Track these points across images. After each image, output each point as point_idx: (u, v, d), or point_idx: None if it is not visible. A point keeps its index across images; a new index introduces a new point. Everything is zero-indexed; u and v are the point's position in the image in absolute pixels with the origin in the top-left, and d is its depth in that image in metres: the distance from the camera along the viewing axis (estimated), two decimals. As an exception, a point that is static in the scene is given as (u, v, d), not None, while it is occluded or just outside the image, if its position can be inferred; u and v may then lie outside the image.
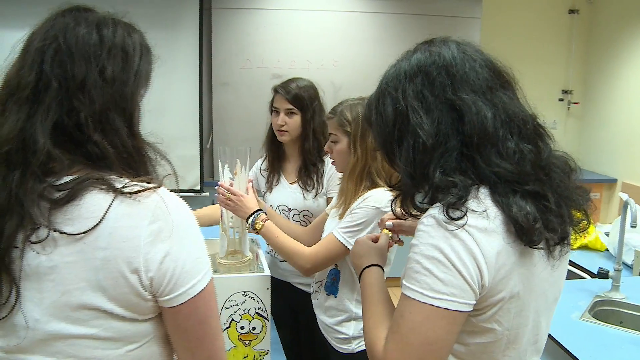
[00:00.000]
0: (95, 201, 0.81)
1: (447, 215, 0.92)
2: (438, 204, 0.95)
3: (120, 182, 0.83)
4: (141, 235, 0.81)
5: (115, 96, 0.87)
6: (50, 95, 0.83)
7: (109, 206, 0.80)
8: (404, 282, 0.96)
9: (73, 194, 0.80)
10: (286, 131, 2.22)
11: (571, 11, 5.30)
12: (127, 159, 0.87)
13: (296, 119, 2.22)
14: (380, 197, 1.72)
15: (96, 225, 0.79)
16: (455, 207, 0.92)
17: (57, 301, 0.81)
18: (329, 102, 2.30)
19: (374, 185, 1.77)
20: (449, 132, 0.97)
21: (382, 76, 1.07)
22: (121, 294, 0.82)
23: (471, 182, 0.95)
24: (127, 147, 0.87)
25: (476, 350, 1.00)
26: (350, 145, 1.78)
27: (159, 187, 0.86)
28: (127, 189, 0.82)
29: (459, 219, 0.91)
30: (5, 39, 4.03)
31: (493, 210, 0.94)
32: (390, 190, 1.73)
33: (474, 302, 0.93)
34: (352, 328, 1.83)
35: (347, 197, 1.78)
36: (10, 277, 0.80)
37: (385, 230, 1.39)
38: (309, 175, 2.25)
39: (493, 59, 1.04)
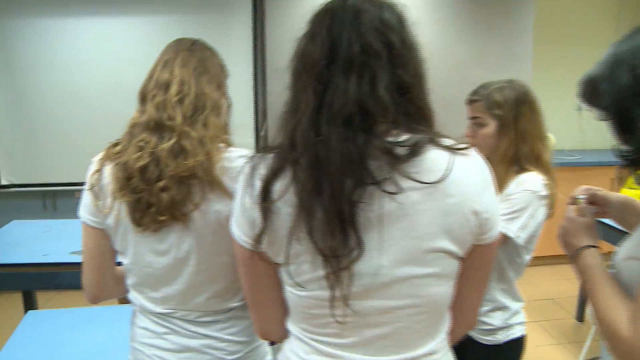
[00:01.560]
0: (436, 156, 0.92)
1: None
2: None
3: (444, 140, 0.95)
4: (476, 184, 0.96)
5: (416, 61, 0.97)
6: (379, 63, 0.91)
7: (451, 160, 0.92)
8: None
9: (416, 150, 0.91)
10: None
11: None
12: (428, 117, 0.98)
13: None
14: (535, 181, 1.66)
15: (446, 175, 0.91)
16: None
17: (407, 246, 0.93)
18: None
19: (522, 169, 1.70)
20: None
21: (609, 51, 1.07)
22: (461, 235, 0.96)
23: None
24: (428, 107, 0.99)
25: None
26: (500, 128, 1.70)
27: (471, 146, 0.98)
28: (457, 146, 0.95)
29: None
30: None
31: None
32: (543, 174, 1.67)
33: None
34: (498, 318, 1.76)
35: (498, 181, 1.70)
36: (355, 228, 0.90)
37: (580, 202, 1.36)
38: None
39: None
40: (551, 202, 1.69)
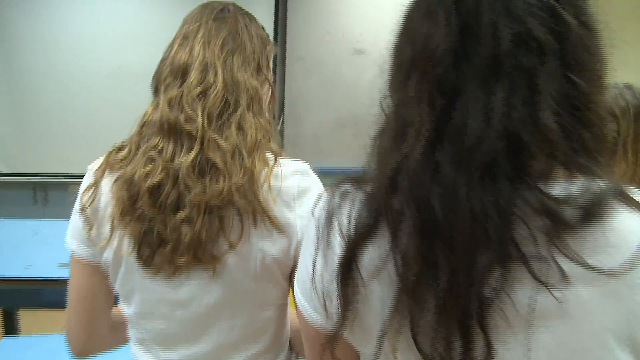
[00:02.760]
0: (624, 224, 0.58)
1: None
2: None
3: (637, 193, 0.60)
4: None
5: (597, 55, 0.62)
6: (544, 65, 0.58)
7: None
8: None
9: (595, 212, 0.57)
10: None
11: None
12: (606, 148, 0.64)
13: None
14: None
15: (638, 258, 0.57)
16: None
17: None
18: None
19: None
20: None
21: None
22: None
23: None
24: (607, 130, 0.64)
25: None
26: (615, 148, 1.34)
27: None
28: None
29: None
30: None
31: None
32: None
33: None
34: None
35: None
36: (485, 332, 0.59)
37: None
38: None
39: None
40: None
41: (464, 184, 0.58)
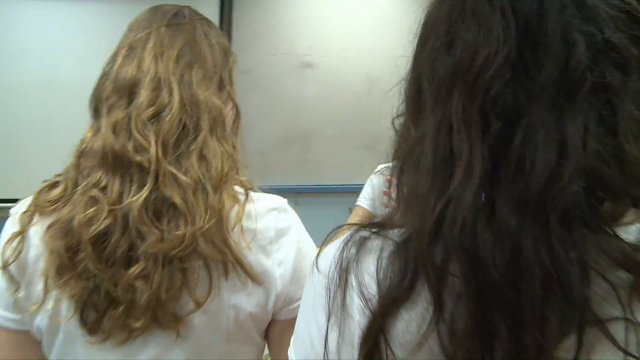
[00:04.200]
0: None
1: None
2: None
3: None
4: None
5: None
6: (626, 83, 0.47)
7: None
8: None
9: None
10: None
11: None
12: None
13: None
14: None
15: None
16: None
17: None
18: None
19: None
20: None
21: None
22: None
23: None
24: None
25: None
26: None
27: None
28: None
29: None
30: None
31: None
32: None
33: None
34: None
35: None
36: None
37: None
38: None
39: None
40: None
41: (531, 233, 0.46)
